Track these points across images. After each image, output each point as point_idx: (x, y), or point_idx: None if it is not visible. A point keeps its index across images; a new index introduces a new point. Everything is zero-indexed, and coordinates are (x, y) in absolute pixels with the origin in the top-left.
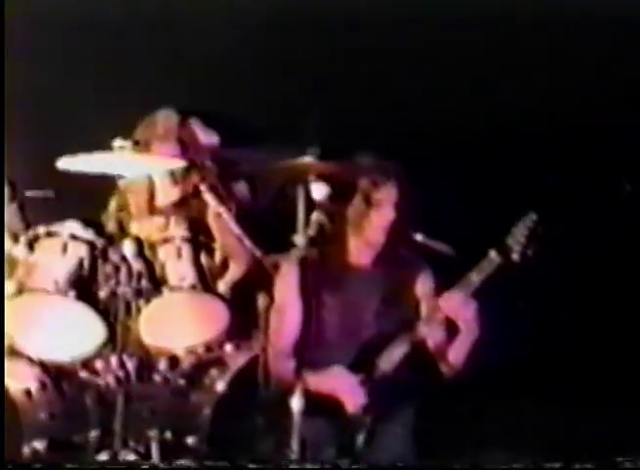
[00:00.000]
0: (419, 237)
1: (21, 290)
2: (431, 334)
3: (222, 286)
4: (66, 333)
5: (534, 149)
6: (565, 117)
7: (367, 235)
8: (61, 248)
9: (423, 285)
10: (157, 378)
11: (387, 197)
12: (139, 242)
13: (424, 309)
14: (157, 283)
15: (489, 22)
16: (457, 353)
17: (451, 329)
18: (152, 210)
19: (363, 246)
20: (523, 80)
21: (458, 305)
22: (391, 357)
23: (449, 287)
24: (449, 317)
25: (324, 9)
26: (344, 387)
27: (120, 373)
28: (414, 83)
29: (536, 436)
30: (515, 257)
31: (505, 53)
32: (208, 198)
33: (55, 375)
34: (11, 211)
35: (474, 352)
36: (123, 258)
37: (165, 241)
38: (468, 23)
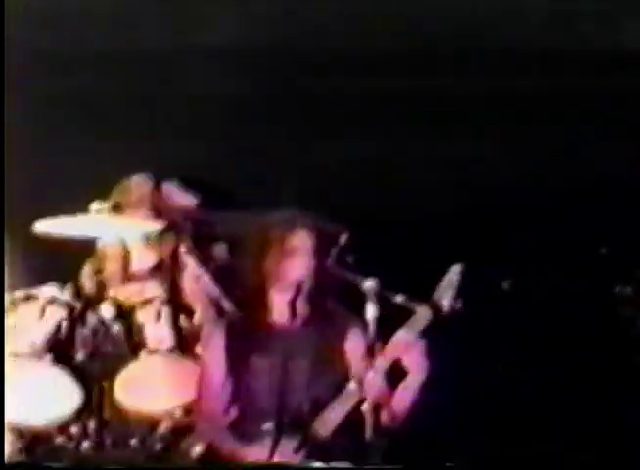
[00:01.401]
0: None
1: None
2: (368, 390)
3: (200, 349)
4: (41, 397)
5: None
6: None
7: (286, 286)
8: (39, 311)
9: (353, 341)
10: (133, 443)
11: (300, 244)
12: (118, 305)
13: (355, 367)
14: (135, 346)
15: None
16: (402, 399)
17: (393, 378)
18: (127, 277)
19: (284, 302)
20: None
21: (404, 345)
22: (329, 421)
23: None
24: (395, 361)
25: (307, 76)
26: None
27: (97, 438)
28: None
29: None
30: (445, 310)
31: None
32: (187, 260)
33: (30, 441)
34: None
35: (420, 395)
36: (102, 322)
37: (145, 303)
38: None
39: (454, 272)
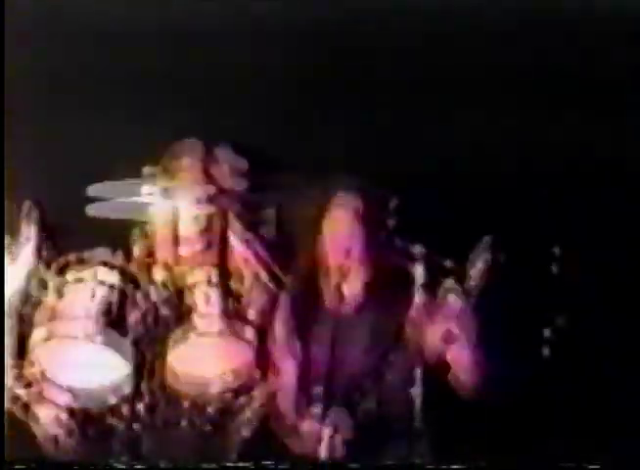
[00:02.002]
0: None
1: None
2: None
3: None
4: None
5: None
6: None
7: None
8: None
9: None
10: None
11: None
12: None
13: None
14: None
15: None
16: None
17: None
18: (177, 241)
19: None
20: None
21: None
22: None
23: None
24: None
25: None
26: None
27: (147, 418)
28: None
29: None
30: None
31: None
32: (235, 225)
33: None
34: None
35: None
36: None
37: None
38: None
39: (485, 243)
